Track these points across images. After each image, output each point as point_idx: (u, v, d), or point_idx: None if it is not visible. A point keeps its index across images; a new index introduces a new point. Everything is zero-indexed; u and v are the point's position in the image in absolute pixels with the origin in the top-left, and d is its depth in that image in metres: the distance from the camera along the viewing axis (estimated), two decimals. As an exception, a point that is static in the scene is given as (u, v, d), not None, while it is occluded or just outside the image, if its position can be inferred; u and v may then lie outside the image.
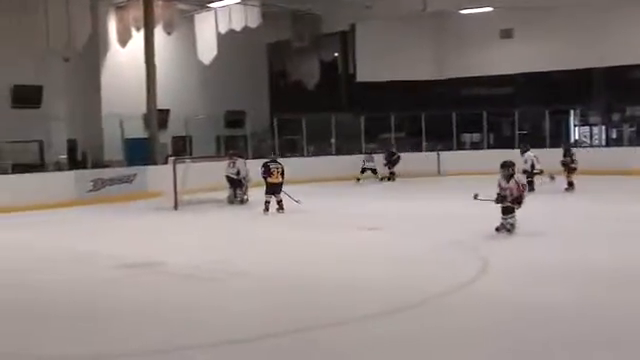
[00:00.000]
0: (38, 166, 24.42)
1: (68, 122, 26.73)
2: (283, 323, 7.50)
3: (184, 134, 28.69)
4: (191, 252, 12.24)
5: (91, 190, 21.56)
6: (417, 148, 30.21)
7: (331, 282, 9.45)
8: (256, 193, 19.40)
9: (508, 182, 12.45)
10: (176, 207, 19.18)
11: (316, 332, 7.15)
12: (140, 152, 25.22)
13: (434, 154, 28.87)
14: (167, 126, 28.66)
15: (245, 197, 20.15)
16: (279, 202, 17.56)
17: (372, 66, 32.79)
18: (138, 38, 26.89)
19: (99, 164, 25.42)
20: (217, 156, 24.97)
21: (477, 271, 9.74)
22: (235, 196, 20.09)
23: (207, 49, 29.59)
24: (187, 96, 30.16)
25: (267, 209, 17.39)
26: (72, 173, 22.38)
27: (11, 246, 13.61)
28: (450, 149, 29.66)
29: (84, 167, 24.56)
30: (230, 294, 9.06)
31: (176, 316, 7.96)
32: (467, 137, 32.09)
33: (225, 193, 20.31)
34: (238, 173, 20.14)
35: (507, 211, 12.45)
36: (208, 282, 9.77)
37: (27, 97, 25.11)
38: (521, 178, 12.81)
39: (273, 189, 17.64)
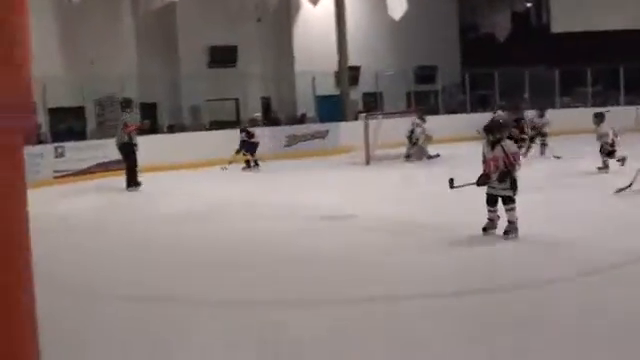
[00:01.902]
0: (234, 123, 25.32)
1: (262, 80, 27.47)
2: (475, 281, 7.43)
3: (374, 90, 28.73)
4: (382, 206, 12.38)
5: (286, 145, 22.20)
6: (615, 103, 28.65)
7: (523, 243, 9.04)
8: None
9: (493, 150, 9.26)
10: (368, 162, 19.40)
11: (509, 294, 7.03)
12: (331, 109, 25.60)
13: (632, 109, 27.27)
14: (358, 83, 28.83)
15: (422, 154, 19.93)
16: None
17: (567, 16, 31.34)
18: (329, -4, 27.08)
19: (292, 121, 26.04)
20: (408, 111, 24.87)
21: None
22: (407, 155, 20.01)
23: (397, 4, 29.31)
24: (377, 52, 30.06)
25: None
26: (267, 129, 23.08)
27: (211, 198, 14.27)
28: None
29: (278, 124, 25.19)
30: (420, 248, 9.07)
31: (366, 267, 8.13)
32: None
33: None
34: (412, 132, 19.95)
35: (506, 200, 9.20)
36: (397, 235, 9.89)
37: (223, 57, 26.09)
38: (511, 145, 9.40)
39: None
